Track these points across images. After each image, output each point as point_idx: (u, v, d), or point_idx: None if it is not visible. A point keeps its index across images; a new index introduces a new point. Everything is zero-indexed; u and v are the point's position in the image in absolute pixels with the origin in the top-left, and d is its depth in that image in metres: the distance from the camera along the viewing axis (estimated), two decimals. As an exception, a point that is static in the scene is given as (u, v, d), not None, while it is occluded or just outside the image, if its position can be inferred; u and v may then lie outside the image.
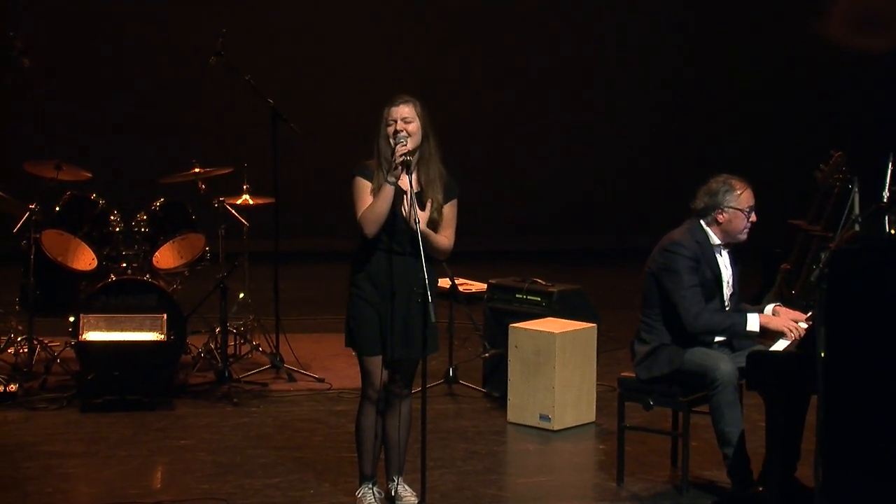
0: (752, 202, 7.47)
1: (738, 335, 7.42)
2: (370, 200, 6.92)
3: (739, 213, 7.43)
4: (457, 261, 9.53)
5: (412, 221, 6.80)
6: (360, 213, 6.93)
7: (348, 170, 7.01)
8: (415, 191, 6.90)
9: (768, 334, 7.31)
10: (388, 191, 6.85)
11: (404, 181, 6.87)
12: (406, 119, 6.93)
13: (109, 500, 7.44)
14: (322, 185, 13.11)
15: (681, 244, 7.42)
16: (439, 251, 7.00)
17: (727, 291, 7.52)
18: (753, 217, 7.47)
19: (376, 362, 7.04)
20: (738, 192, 7.45)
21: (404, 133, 6.89)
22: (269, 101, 9.84)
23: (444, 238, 7.03)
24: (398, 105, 6.95)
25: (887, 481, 6.56)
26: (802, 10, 14.69)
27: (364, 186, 6.95)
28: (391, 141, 6.89)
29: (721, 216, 7.44)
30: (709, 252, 7.46)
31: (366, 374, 7.11)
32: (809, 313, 7.38)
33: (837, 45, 14.73)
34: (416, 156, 6.92)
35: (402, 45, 14.45)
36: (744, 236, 7.50)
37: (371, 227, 6.90)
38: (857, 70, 14.74)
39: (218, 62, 9.95)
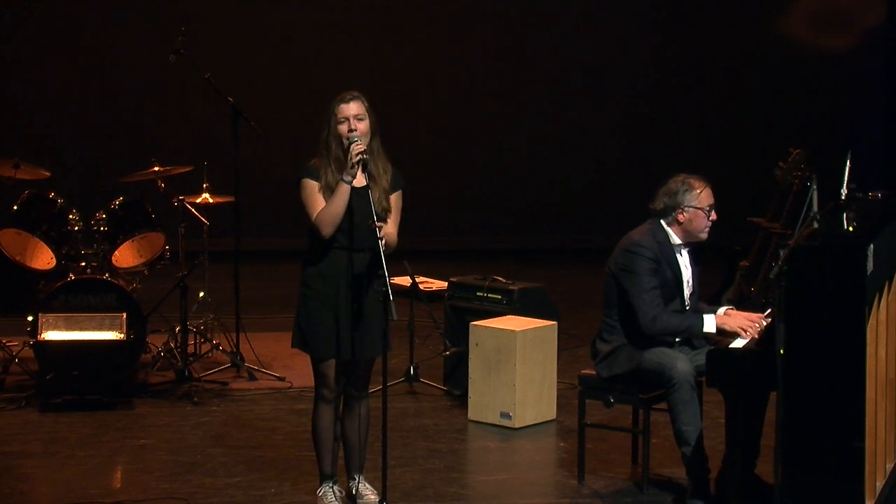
0: (711, 201, 7.49)
1: (695, 337, 7.45)
2: (322, 200, 6.91)
3: (700, 212, 7.45)
4: (417, 259, 9.55)
5: (371, 219, 6.81)
6: (314, 215, 6.92)
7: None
8: (364, 185, 6.91)
9: (725, 335, 7.34)
10: (345, 190, 6.85)
11: (359, 178, 6.88)
12: (358, 116, 6.93)
13: (69, 500, 7.41)
14: (283, 184, 13.07)
15: (641, 245, 7.43)
16: (390, 246, 7.01)
17: (687, 291, 7.54)
18: (714, 216, 7.49)
19: (331, 364, 7.03)
20: (698, 192, 7.47)
21: (357, 132, 6.89)
22: (230, 100, 9.81)
23: (392, 229, 7.03)
24: (348, 102, 6.94)
25: (846, 478, 6.59)
26: (762, 9, 14.75)
27: (314, 188, 6.94)
28: (345, 140, 6.89)
29: (682, 216, 7.46)
30: (669, 252, 7.47)
31: (320, 376, 7.09)
32: (768, 311, 7.40)
33: (797, 43, 14.80)
34: (369, 153, 6.93)
35: (365, 45, 14.42)
36: (705, 235, 7.51)
37: (328, 228, 6.89)
38: (817, 68, 14.81)
39: (178, 60, 9.91)
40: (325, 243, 6.95)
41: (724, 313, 7.44)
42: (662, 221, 7.49)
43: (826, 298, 6.57)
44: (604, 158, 14.72)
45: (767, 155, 9.37)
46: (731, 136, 14.74)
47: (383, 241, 6.82)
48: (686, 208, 7.44)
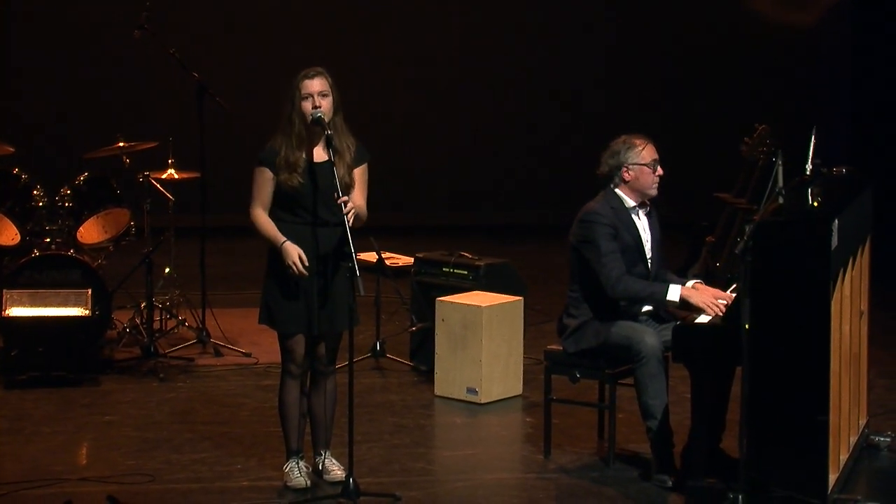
0: (655, 156, 7.49)
1: (658, 304, 7.45)
2: (266, 195, 6.96)
3: (644, 167, 7.46)
4: (384, 234, 9.54)
5: (338, 198, 6.82)
6: (254, 209, 6.99)
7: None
8: (326, 160, 6.91)
9: (689, 308, 7.35)
10: (279, 244, 6.92)
11: (321, 154, 6.94)
12: (322, 93, 6.93)
13: (34, 476, 7.38)
14: (248, 160, 13.02)
15: (596, 212, 7.45)
16: (360, 218, 7.02)
17: (649, 254, 7.52)
18: (660, 170, 7.49)
19: (299, 340, 7.03)
20: (640, 148, 7.49)
21: (321, 109, 6.89)
22: (195, 75, 9.76)
23: (361, 202, 7.05)
24: (312, 78, 6.94)
25: (810, 452, 6.63)
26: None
27: (265, 179, 6.98)
28: (308, 117, 6.89)
29: (627, 174, 7.48)
30: (625, 217, 7.48)
31: (287, 352, 7.10)
32: (734, 286, 7.42)
33: (762, 19, 14.82)
34: (333, 129, 6.93)
35: (333, 19, 14.37)
36: (654, 191, 7.51)
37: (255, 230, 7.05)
38: (782, 44, 14.83)
39: (142, 36, 9.86)
40: (289, 219, 6.96)
41: (693, 287, 7.45)
42: (612, 185, 7.51)
43: (791, 274, 6.60)
44: (570, 135, 14.70)
45: (733, 130, 9.39)
46: (697, 111, 14.76)
47: (350, 215, 6.83)
48: (630, 166, 7.46)
